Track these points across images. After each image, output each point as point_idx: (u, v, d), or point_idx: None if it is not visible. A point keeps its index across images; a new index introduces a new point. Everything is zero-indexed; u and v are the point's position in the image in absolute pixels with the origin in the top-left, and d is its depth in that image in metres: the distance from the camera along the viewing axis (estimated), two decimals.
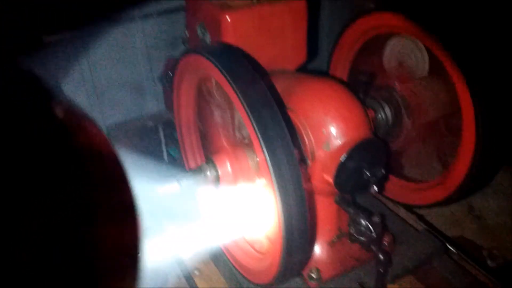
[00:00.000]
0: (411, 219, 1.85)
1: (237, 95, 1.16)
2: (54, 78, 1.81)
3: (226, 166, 1.42)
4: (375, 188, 1.37)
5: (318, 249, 1.60)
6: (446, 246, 1.74)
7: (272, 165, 1.12)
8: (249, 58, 1.32)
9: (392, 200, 1.91)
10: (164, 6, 2.35)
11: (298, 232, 1.19)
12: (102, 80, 2.34)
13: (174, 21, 2.35)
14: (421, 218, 1.89)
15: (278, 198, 1.14)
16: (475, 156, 1.45)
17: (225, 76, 1.18)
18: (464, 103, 1.46)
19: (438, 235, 1.80)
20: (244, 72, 1.21)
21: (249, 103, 1.15)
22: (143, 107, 2.54)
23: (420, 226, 1.82)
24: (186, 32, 1.85)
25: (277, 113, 1.17)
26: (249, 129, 1.17)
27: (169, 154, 2.25)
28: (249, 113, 1.14)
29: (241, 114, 1.20)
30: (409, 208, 1.90)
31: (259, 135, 1.13)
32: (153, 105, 2.56)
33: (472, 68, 1.43)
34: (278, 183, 1.13)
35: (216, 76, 1.25)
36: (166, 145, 2.27)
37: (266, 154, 1.12)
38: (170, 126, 2.25)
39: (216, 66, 1.21)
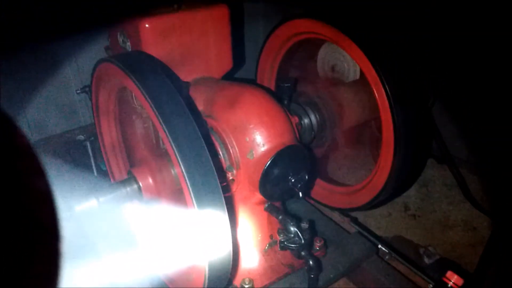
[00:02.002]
0: (345, 222, 1.87)
1: (150, 105, 1.11)
2: None
3: (147, 179, 1.37)
4: (300, 194, 1.36)
5: (250, 258, 1.57)
6: (378, 246, 1.76)
7: (188, 176, 1.08)
8: (164, 67, 1.28)
9: (326, 205, 1.92)
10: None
11: (221, 252, 1.15)
12: (29, 93, 2.23)
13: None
14: (355, 221, 1.91)
15: (196, 209, 1.10)
16: (395, 156, 1.48)
17: (137, 86, 1.14)
18: (382, 106, 1.49)
19: (371, 236, 1.83)
20: (156, 81, 1.16)
21: (162, 113, 1.11)
22: (74, 120, 2.44)
23: (354, 228, 1.83)
24: (109, 40, 1.78)
25: (192, 123, 1.13)
26: (164, 141, 1.13)
27: (98, 168, 2.16)
28: (162, 124, 1.10)
29: (155, 124, 1.15)
30: (343, 212, 1.91)
31: (173, 146, 1.09)
32: (85, 117, 2.46)
33: (386, 71, 1.46)
34: (194, 194, 1.09)
35: (129, 85, 1.20)
36: (96, 158, 2.18)
37: (181, 165, 1.08)
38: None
39: (128, 75, 1.16)
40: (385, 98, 1.46)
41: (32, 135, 2.33)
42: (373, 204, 1.67)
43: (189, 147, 1.09)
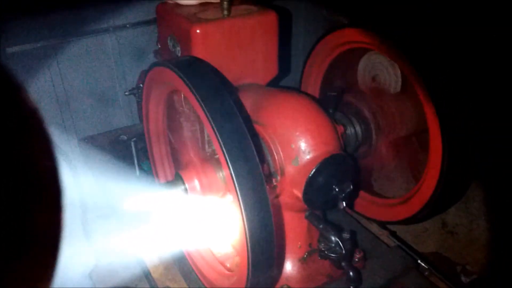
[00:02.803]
0: (383, 235, 1.85)
1: (203, 109, 1.14)
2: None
3: (193, 181, 1.39)
4: (344, 203, 1.36)
5: (288, 266, 1.58)
6: (417, 262, 1.73)
7: (237, 180, 1.10)
8: (216, 72, 1.31)
9: (364, 216, 1.91)
10: (138, 18, 2.33)
11: (264, 248, 1.16)
12: (74, 93, 2.30)
13: (148, 32, 2.33)
14: (393, 234, 1.88)
15: (244, 214, 1.11)
16: (442, 173, 1.45)
17: (191, 90, 1.16)
18: (431, 121, 1.47)
19: (410, 251, 1.80)
20: (210, 86, 1.19)
21: (215, 118, 1.13)
22: (117, 120, 2.50)
23: (392, 242, 1.81)
24: (158, 44, 1.83)
25: (243, 128, 1.15)
26: (215, 144, 1.15)
27: (141, 168, 2.21)
28: (214, 128, 1.12)
29: (207, 128, 1.18)
30: (381, 224, 1.89)
31: (224, 150, 1.11)
32: (127, 118, 2.53)
33: (438, 87, 1.44)
34: (243, 198, 1.10)
35: (183, 89, 1.23)
36: (139, 159, 2.23)
37: (231, 168, 1.10)
38: (143, 140, 2.22)
39: (182, 79, 1.19)
40: (434, 111, 1.44)
41: (77, 134, 2.40)
42: (415, 219, 1.65)
43: (239, 152, 1.11)
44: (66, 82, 2.24)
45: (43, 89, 2.17)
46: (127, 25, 2.33)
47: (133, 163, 2.21)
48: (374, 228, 1.89)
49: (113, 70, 2.36)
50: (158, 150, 1.70)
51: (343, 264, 1.42)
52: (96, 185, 1.99)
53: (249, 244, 1.12)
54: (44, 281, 0.41)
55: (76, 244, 1.72)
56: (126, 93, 2.04)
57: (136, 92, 2.02)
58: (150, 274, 1.80)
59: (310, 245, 1.59)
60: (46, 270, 0.41)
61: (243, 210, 1.10)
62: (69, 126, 2.36)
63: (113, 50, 2.32)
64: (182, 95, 1.43)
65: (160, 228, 1.62)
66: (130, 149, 2.27)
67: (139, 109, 2.21)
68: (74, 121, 2.37)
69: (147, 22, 2.32)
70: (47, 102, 2.21)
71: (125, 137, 2.40)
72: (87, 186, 1.91)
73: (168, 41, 1.66)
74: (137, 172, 2.27)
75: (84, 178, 2.09)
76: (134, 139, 2.30)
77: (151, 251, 1.82)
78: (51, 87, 2.21)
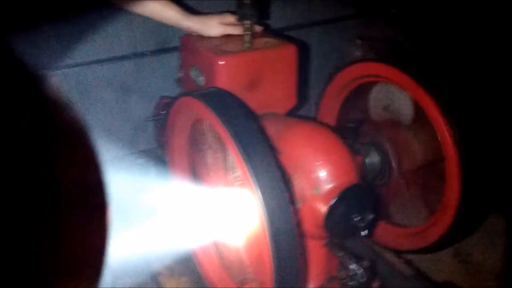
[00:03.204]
0: (399, 263, 1.86)
1: (231, 137, 1.19)
2: None
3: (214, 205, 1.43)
4: (365, 232, 1.39)
5: None
6: None
7: (265, 207, 1.14)
8: (241, 102, 1.36)
9: (379, 245, 1.92)
10: (158, 46, 2.40)
11: (290, 273, 1.19)
12: (94, 115, 2.36)
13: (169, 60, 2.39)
14: (409, 263, 1.89)
15: (270, 238, 1.14)
16: (459, 204, 1.48)
17: (219, 120, 1.21)
18: (447, 151, 1.51)
19: (426, 280, 1.81)
20: (236, 116, 1.24)
21: (242, 146, 1.18)
22: (134, 144, 2.55)
23: (408, 271, 1.82)
24: (180, 72, 1.89)
25: (270, 156, 1.19)
26: (242, 171, 1.19)
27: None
28: (242, 156, 1.16)
29: (234, 156, 1.22)
30: (396, 253, 1.91)
31: (252, 177, 1.15)
32: (144, 142, 2.57)
33: (454, 116, 1.48)
34: (270, 224, 1.14)
35: (210, 119, 1.28)
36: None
37: (260, 195, 1.14)
38: (161, 163, 2.26)
39: (211, 109, 1.24)
40: (450, 140, 1.48)
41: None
42: (432, 249, 1.67)
43: (267, 178, 1.15)
44: (85, 108, 2.29)
45: None
46: (147, 53, 2.40)
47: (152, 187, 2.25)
48: (389, 256, 1.90)
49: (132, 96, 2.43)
50: (181, 177, 1.73)
51: None
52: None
53: (275, 269, 1.14)
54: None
55: None
56: (149, 120, 2.09)
57: (157, 118, 2.07)
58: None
59: (329, 272, 1.61)
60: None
61: (270, 234, 1.14)
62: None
63: (132, 76, 2.38)
64: (206, 125, 1.48)
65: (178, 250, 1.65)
66: (148, 173, 2.32)
67: (157, 133, 2.27)
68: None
69: (166, 51, 2.39)
70: None
71: (143, 160, 2.44)
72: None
73: (192, 72, 1.72)
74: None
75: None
76: (151, 163, 2.35)
77: (167, 272, 1.84)
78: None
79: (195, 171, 1.70)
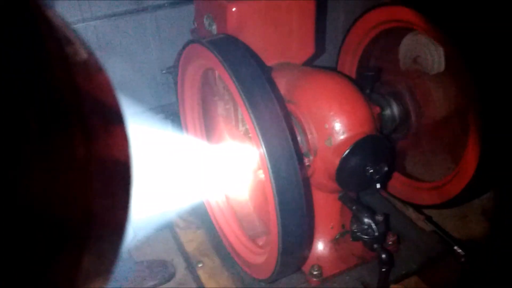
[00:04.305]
0: (419, 219, 1.80)
1: (236, 87, 1.14)
2: None
3: (225, 158, 1.41)
4: (378, 185, 1.34)
5: (320, 246, 1.58)
6: (453, 248, 1.69)
7: (269, 159, 1.10)
8: (250, 51, 1.30)
9: (400, 200, 1.87)
10: None
11: (295, 227, 1.17)
12: (114, 71, 2.35)
13: (186, 11, 2.34)
14: (429, 219, 1.84)
15: (275, 192, 1.12)
16: (481, 157, 1.40)
17: (224, 68, 1.17)
18: (472, 103, 1.41)
19: (447, 237, 1.75)
20: (243, 64, 1.18)
21: (248, 97, 1.13)
22: (155, 99, 2.54)
23: (428, 227, 1.77)
24: (195, 23, 1.83)
25: (277, 107, 1.15)
26: (248, 123, 1.16)
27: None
28: (248, 107, 1.12)
29: (240, 107, 1.18)
30: (418, 208, 1.85)
31: (257, 129, 1.11)
32: (165, 96, 2.56)
33: (480, 66, 1.38)
34: (274, 177, 1.11)
35: (216, 66, 1.24)
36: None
37: (264, 148, 1.11)
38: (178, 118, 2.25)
39: (217, 57, 1.19)
40: (476, 93, 1.38)
41: None
42: (452, 204, 1.60)
43: (272, 131, 1.11)
44: (106, 61, 2.28)
45: None
46: (165, 4, 2.35)
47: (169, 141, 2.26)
48: (410, 212, 1.85)
49: (151, 49, 2.39)
50: (193, 128, 1.72)
51: (375, 246, 1.41)
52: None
53: (279, 223, 1.12)
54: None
55: None
56: (163, 72, 2.06)
57: (173, 70, 2.04)
58: (184, 249, 1.85)
59: (343, 226, 1.58)
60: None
61: (274, 188, 1.11)
62: None
63: (152, 31, 2.35)
64: (217, 74, 1.44)
65: (193, 202, 1.66)
66: (167, 127, 2.32)
67: (176, 87, 2.25)
68: None
69: (184, 2, 2.33)
70: None
71: (163, 115, 2.44)
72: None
73: (205, 20, 1.66)
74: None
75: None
76: (172, 117, 2.35)
77: (184, 224, 1.87)
78: None
79: (206, 124, 1.68)
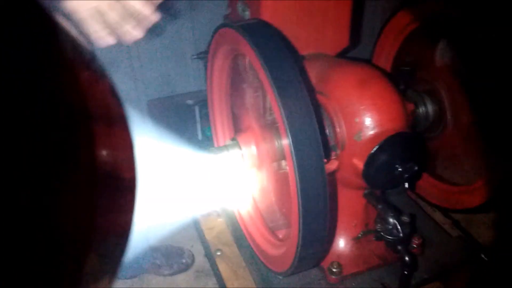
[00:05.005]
0: (446, 224, 1.74)
1: (266, 74, 1.11)
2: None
3: (250, 147, 1.38)
4: (406, 185, 1.29)
5: (341, 243, 1.54)
6: (479, 254, 1.62)
7: (295, 151, 1.07)
8: (283, 38, 1.27)
9: (428, 203, 1.81)
10: None
11: (316, 221, 1.14)
12: (147, 56, 2.36)
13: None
14: (457, 224, 1.77)
15: (298, 185, 1.09)
16: None
17: (255, 53, 1.14)
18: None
19: (473, 243, 1.69)
20: (275, 51, 1.15)
21: (278, 85, 1.10)
22: (186, 85, 2.55)
23: (455, 232, 1.71)
24: (228, 9, 1.81)
25: (306, 98, 1.11)
26: (276, 112, 1.13)
27: (203, 132, 2.24)
28: (277, 95, 1.09)
29: (269, 95, 1.15)
30: (445, 213, 1.79)
31: (284, 119, 1.08)
32: (195, 83, 2.56)
33: None
34: (299, 169, 1.07)
35: (247, 52, 1.21)
36: (202, 124, 2.27)
37: (290, 139, 1.07)
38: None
39: (248, 41, 1.16)
40: None
41: (146, 96, 2.47)
42: (481, 209, 1.54)
43: (300, 123, 1.08)
44: (139, 45, 2.29)
45: (118, 52, 2.24)
46: None
47: (196, 127, 2.26)
48: (437, 216, 1.79)
49: (185, 35, 2.39)
50: (220, 114, 1.70)
51: (399, 247, 1.36)
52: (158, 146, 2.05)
53: (300, 215, 1.09)
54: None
55: None
56: (194, 57, 2.05)
57: (203, 56, 2.02)
58: (204, 236, 1.85)
59: (366, 225, 1.54)
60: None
61: (298, 181, 1.08)
62: (140, 88, 2.44)
63: (185, 15, 2.33)
64: (247, 61, 1.41)
65: (212, 191, 1.64)
66: (194, 114, 2.32)
67: (206, 74, 2.23)
68: (145, 83, 2.44)
69: None
70: (122, 65, 2.28)
71: (191, 102, 2.44)
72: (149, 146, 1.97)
73: (238, 6, 1.64)
74: (199, 136, 2.31)
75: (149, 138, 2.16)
76: (200, 103, 2.34)
77: (205, 212, 1.86)
78: (125, 50, 2.27)
79: (234, 111, 1.66)
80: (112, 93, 0.41)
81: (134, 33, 1.03)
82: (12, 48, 0.28)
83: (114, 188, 0.38)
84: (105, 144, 0.36)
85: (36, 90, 0.29)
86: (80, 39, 0.38)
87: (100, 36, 1.00)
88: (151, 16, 1.04)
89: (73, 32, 0.37)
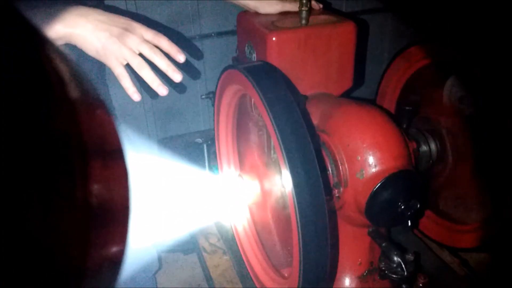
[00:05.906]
0: (454, 263, 1.72)
1: (268, 114, 1.15)
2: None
3: (254, 183, 1.41)
4: (409, 222, 1.29)
5: (346, 282, 1.53)
6: None
7: (296, 191, 1.09)
8: (286, 79, 1.31)
9: (435, 242, 1.79)
10: (223, 28, 2.43)
11: (318, 260, 1.14)
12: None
13: (232, 40, 2.41)
14: (465, 263, 1.75)
15: (299, 228, 1.10)
16: None
17: (257, 93, 1.18)
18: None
19: (481, 282, 1.66)
20: (276, 91, 1.19)
21: (278, 125, 1.13)
22: (196, 123, 2.61)
23: (463, 271, 1.68)
24: (237, 51, 1.88)
25: (307, 138, 1.14)
26: (277, 151, 1.16)
27: (211, 170, 2.28)
28: (277, 134, 1.12)
29: (270, 134, 1.18)
30: (454, 251, 1.77)
31: (285, 159, 1.11)
32: (204, 122, 2.63)
33: None
34: (299, 209, 1.09)
35: (250, 92, 1.26)
36: (210, 161, 2.30)
37: (291, 179, 1.10)
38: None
39: (250, 82, 1.21)
40: None
41: (157, 134, 2.54)
42: (487, 248, 1.52)
43: (300, 160, 1.11)
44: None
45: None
46: (212, 34, 2.43)
47: (204, 165, 2.29)
48: (445, 255, 1.77)
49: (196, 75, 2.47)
50: (225, 151, 1.73)
51: (404, 286, 1.35)
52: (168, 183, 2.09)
53: (301, 253, 1.10)
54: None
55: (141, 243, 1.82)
56: (203, 97, 2.11)
57: (212, 96, 2.09)
58: (209, 274, 1.85)
59: (371, 263, 1.53)
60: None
61: (299, 224, 1.09)
62: (151, 127, 2.51)
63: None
64: (252, 100, 1.46)
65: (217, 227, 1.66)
66: (203, 152, 2.36)
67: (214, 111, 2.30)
68: (156, 123, 2.51)
69: (230, 32, 2.41)
70: (134, 105, 2.35)
71: (200, 140, 2.49)
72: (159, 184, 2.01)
73: (246, 49, 1.71)
74: (207, 173, 2.34)
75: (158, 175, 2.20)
76: (209, 142, 2.39)
77: (211, 249, 1.86)
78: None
79: (239, 149, 1.69)
80: (110, 124, 0.41)
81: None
82: (3, 78, 0.27)
83: (108, 220, 0.38)
84: (100, 177, 0.37)
85: (29, 123, 0.28)
86: (78, 71, 0.38)
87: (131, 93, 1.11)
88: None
89: (71, 63, 0.36)
